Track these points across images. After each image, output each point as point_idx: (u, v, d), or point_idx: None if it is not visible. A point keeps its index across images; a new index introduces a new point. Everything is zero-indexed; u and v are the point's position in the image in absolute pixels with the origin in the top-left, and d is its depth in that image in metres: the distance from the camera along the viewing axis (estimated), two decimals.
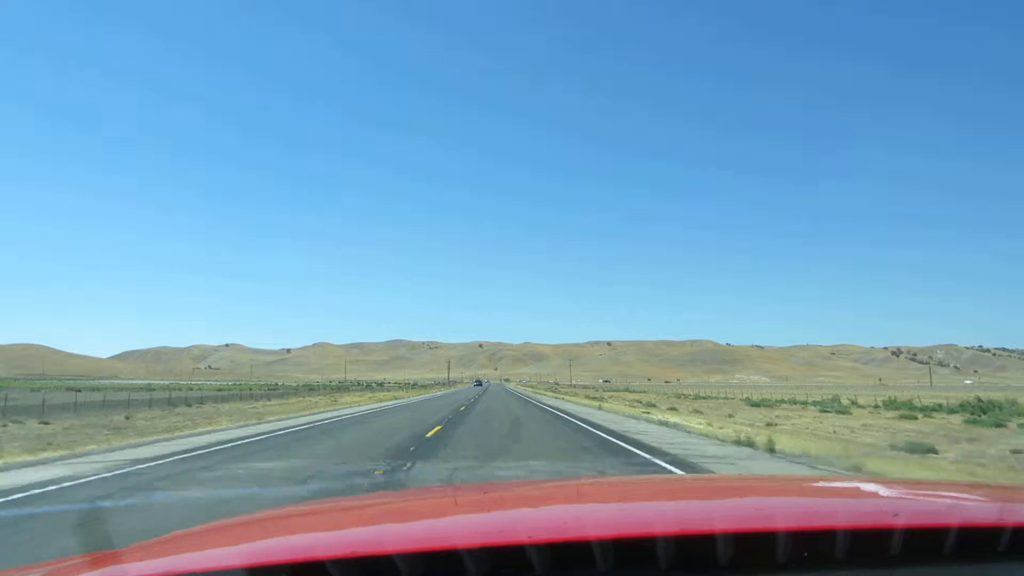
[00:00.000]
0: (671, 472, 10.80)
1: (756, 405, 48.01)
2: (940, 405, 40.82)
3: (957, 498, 1.68)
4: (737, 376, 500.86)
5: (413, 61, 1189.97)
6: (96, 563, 1.31)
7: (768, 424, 24.45)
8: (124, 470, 10.78)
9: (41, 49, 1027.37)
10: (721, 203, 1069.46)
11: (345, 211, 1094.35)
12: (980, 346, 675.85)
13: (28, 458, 12.41)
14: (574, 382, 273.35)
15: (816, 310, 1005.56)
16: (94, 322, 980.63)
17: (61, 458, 12.60)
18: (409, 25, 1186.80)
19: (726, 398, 68.90)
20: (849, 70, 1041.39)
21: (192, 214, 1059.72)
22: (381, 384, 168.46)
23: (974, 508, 1.53)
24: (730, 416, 30.89)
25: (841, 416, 33.19)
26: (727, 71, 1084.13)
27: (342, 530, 1.66)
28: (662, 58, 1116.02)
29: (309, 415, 28.83)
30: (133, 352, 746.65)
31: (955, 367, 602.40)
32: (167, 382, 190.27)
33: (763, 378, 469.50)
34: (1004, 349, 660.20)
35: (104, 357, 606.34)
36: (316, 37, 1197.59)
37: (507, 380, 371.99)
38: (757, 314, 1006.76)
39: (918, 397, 62.54)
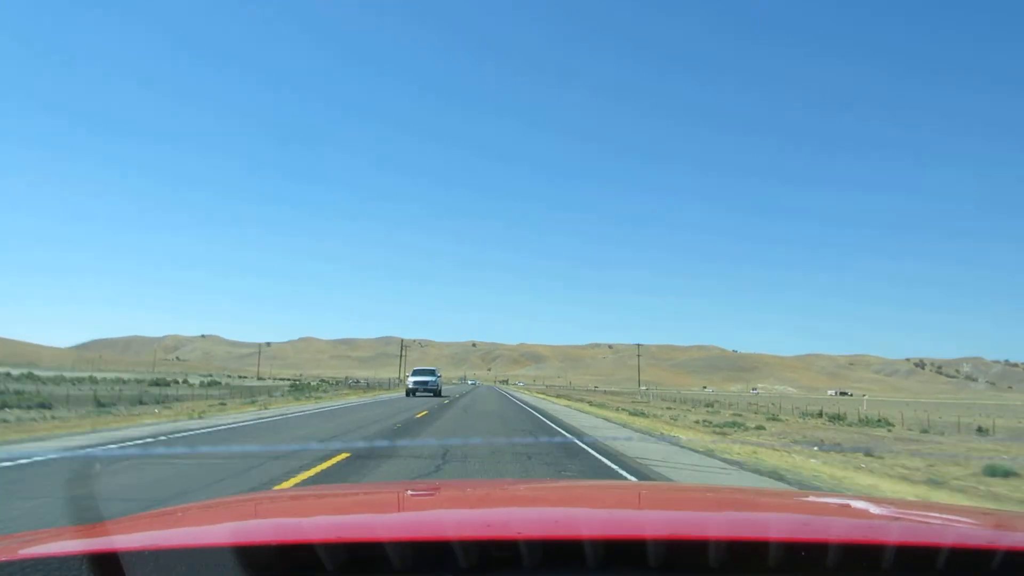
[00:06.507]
0: None
1: None
2: None
3: (950, 519, 1.69)
4: (760, 385, 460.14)
5: (408, 58, 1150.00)
6: (83, 534, 1.27)
7: None
8: None
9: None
10: (729, 207, 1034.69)
11: (339, 207, 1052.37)
12: (1007, 360, 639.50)
13: None
14: (588, 386, 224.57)
15: (824, 320, 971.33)
16: (68, 309, 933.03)
17: None
18: (398, 18, 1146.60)
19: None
20: (881, 76, 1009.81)
21: (183, 206, 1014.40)
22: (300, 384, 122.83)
23: (967, 530, 1.54)
24: None
25: None
26: (741, 72, 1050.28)
27: (331, 515, 1.68)
28: (671, 58, 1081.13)
29: None
30: (101, 341, 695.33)
31: (988, 382, 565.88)
32: (95, 373, 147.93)
33: (789, 388, 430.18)
34: None
35: (64, 347, 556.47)
36: (302, 31, 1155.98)
37: (504, 382, 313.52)
38: (761, 320, 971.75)
39: None
